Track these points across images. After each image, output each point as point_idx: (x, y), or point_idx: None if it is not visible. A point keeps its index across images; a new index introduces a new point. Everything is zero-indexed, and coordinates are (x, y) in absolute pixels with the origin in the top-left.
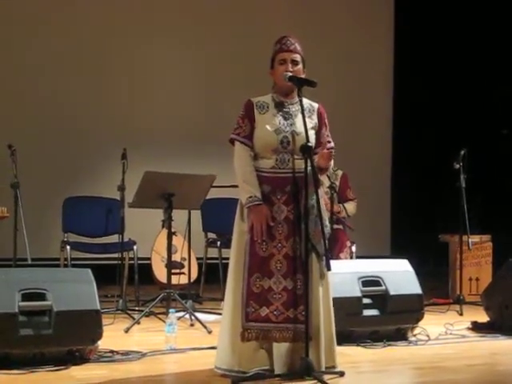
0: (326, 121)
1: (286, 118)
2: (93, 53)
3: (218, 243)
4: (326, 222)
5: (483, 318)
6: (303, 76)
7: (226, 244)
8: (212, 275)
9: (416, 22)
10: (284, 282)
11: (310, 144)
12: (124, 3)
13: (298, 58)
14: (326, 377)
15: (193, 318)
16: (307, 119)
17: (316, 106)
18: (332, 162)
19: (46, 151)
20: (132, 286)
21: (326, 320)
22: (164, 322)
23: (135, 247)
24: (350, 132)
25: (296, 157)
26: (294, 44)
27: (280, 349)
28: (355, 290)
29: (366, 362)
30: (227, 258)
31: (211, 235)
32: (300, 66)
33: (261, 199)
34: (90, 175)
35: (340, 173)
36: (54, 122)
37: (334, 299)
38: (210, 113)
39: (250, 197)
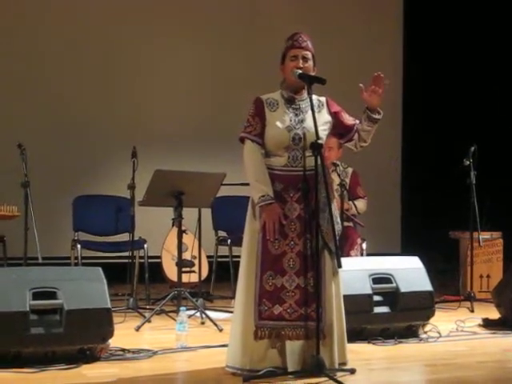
0: (339, 107)
1: (296, 115)
2: (102, 52)
3: (229, 241)
4: (337, 220)
5: (494, 314)
6: (313, 74)
7: (237, 242)
8: (222, 273)
9: (426, 17)
10: (297, 280)
11: (320, 141)
12: (133, 0)
13: (309, 55)
14: (337, 374)
15: (203, 316)
16: (318, 115)
17: (323, 99)
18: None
19: (55, 150)
20: (142, 284)
21: (337, 317)
22: (175, 320)
23: (146, 246)
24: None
25: (307, 154)
26: (306, 41)
27: (293, 347)
28: (366, 288)
29: (377, 359)
30: (238, 256)
31: (222, 233)
32: (310, 63)
33: (273, 198)
34: (100, 174)
35: (350, 170)
36: (64, 121)
37: (345, 296)
38: (219, 110)
39: (263, 196)
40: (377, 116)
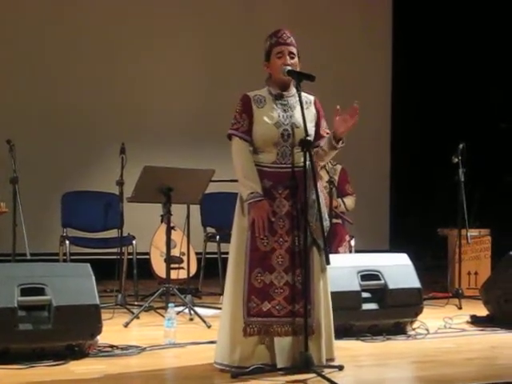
0: (322, 112)
1: (285, 111)
2: (92, 47)
3: (217, 238)
4: (326, 216)
5: (482, 311)
6: (299, 68)
7: (225, 239)
8: (211, 270)
9: (414, 19)
10: (286, 277)
11: (309, 138)
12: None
13: (294, 50)
14: (325, 370)
15: (192, 312)
16: (306, 111)
17: (312, 98)
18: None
19: (44, 146)
20: (131, 280)
21: (325, 313)
22: (163, 316)
23: (134, 242)
24: None
25: (296, 150)
26: (290, 37)
27: (282, 343)
28: (354, 284)
29: (365, 355)
30: (226, 253)
31: (210, 230)
32: (296, 59)
33: (262, 195)
34: (88, 170)
35: (339, 167)
36: (53, 117)
37: (333, 293)
38: (208, 107)
39: (252, 192)
40: (337, 144)
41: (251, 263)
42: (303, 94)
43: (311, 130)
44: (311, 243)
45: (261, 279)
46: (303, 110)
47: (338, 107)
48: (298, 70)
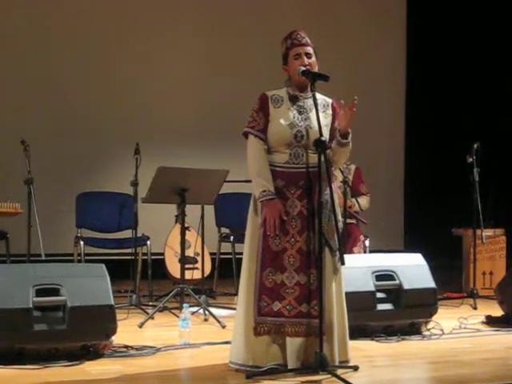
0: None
1: (300, 113)
2: (105, 48)
3: (232, 238)
4: (339, 217)
5: (497, 311)
6: (317, 68)
7: (240, 239)
8: (225, 270)
9: (429, 14)
10: (297, 277)
11: (323, 138)
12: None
13: (311, 50)
14: (340, 371)
15: (206, 312)
16: (321, 114)
17: (330, 101)
18: (348, 155)
19: (58, 147)
20: (145, 281)
21: (338, 314)
22: (178, 317)
23: (148, 242)
24: (363, 127)
25: (310, 151)
26: (305, 37)
27: (293, 344)
28: (369, 285)
29: (380, 356)
30: (240, 253)
31: (224, 230)
32: (314, 59)
33: (274, 193)
34: (103, 170)
35: (353, 167)
36: (67, 118)
37: (348, 294)
38: (223, 107)
39: (264, 191)
40: (342, 140)
41: (263, 262)
42: (321, 97)
43: (326, 132)
44: (323, 244)
45: (272, 279)
46: (317, 110)
47: (342, 101)
48: (316, 69)
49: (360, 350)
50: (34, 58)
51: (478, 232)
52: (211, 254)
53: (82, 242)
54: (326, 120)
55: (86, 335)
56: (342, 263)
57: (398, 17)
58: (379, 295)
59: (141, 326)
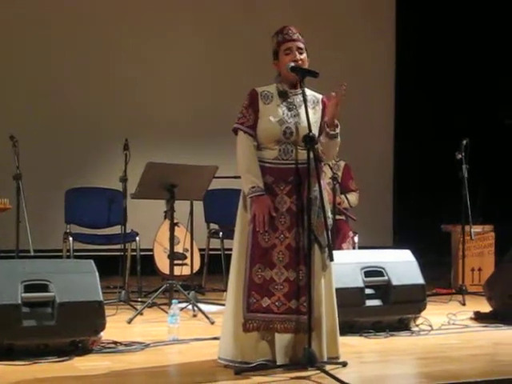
0: None
1: (289, 109)
2: (96, 44)
3: (221, 234)
4: (329, 214)
5: (486, 308)
6: (307, 64)
7: (229, 235)
8: (214, 266)
9: (418, 13)
10: (286, 273)
11: (312, 134)
12: None
13: (302, 45)
14: (328, 367)
15: (195, 308)
16: (311, 110)
17: (320, 97)
18: (337, 149)
19: (48, 142)
20: (134, 277)
21: (328, 311)
22: (167, 312)
23: (138, 238)
24: (352, 123)
25: (299, 148)
26: (296, 33)
27: (282, 340)
28: (358, 281)
29: (368, 352)
30: (230, 249)
31: (213, 226)
32: (305, 54)
33: (263, 190)
34: (92, 166)
35: (342, 163)
36: (56, 113)
37: (337, 290)
38: (212, 104)
39: (253, 187)
40: (330, 131)
41: (252, 259)
42: (311, 93)
43: (315, 128)
44: (312, 240)
45: (261, 275)
46: (306, 107)
47: (333, 93)
48: (306, 65)
49: (349, 345)
50: (23, 54)
51: (467, 228)
52: (200, 250)
53: (70, 238)
54: (315, 116)
55: (75, 331)
56: (331, 259)
57: (387, 16)
58: (368, 291)
59: (129, 321)
